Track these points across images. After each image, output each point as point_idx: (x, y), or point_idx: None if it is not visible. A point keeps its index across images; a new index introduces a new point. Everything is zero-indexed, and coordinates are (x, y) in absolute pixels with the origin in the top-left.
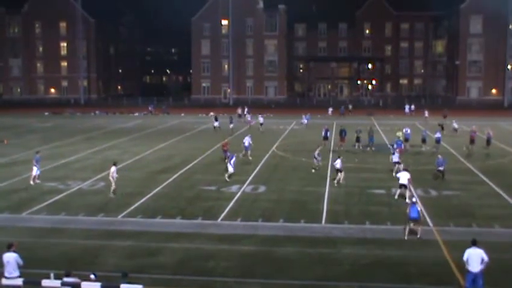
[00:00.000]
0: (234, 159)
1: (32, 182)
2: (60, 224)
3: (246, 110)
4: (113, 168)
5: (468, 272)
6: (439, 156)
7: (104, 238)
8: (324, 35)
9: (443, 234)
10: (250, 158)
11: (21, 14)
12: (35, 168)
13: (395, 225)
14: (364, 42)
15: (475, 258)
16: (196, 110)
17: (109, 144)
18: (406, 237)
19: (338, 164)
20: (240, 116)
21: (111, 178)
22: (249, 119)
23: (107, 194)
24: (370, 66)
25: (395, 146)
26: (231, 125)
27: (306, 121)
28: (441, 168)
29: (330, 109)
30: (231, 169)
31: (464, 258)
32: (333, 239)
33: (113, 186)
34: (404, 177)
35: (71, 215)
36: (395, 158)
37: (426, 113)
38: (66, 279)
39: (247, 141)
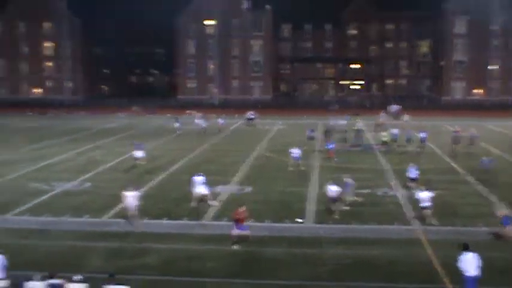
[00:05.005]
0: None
1: (137, 161)
2: (44, 225)
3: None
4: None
5: (466, 277)
6: (484, 158)
7: (89, 239)
8: (309, 35)
9: (427, 233)
10: (302, 168)
11: (5, 13)
12: (138, 152)
13: (380, 225)
14: (349, 43)
15: (471, 262)
16: (182, 111)
17: (94, 144)
18: None
19: (427, 200)
20: (250, 119)
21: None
22: (220, 121)
23: (93, 195)
24: (355, 66)
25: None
26: (204, 125)
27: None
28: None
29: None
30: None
31: (460, 264)
32: (319, 238)
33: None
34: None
35: (55, 216)
36: (412, 173)
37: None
38: (50, 281)
39: (296, 152)
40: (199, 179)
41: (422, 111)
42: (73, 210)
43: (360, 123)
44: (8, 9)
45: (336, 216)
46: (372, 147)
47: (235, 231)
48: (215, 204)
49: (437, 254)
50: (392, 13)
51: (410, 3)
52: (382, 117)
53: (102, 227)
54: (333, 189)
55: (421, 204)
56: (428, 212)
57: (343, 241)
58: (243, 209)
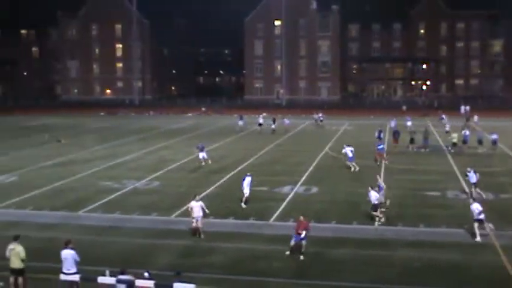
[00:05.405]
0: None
1: (203, 163)
2: (115, 222)
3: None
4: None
5: None
6: None
7: (158, 237)
8: (377, 35)
9: (500, 238)
10: (357, 168)
11: (79, 17)
12: (202, 154)
13: (450, 228)
14: (418, 42)
15: None
16: (249, 111)
17: (163, 144)
18: None
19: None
20: (320, 120)
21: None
22: (286, 122)
23: (161, 194)
24: (424, 66)
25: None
26: (273, 126)
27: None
28: None
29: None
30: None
31: None
32: (386, 241)
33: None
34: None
35: (125, 214)
36: (472, 178)
37: None
38: (121, 277)
39: (349, 151)
40: (247, 179)
41: (495, 112)
42: (142, 208)
43: (448, 124)
44: (81, 12)
45: (376, 221)
46: (441, 149)
47: (294, 241)
48: (243, 206)
49: (510, 259)
50: (463, 11)
51: (482, 2)
52: (443, 118)
53: (170, 225)
54: (373, 195)
55: (474, 217)
56: (478, 224)
57: (412, 244)
58: (303, 219)
